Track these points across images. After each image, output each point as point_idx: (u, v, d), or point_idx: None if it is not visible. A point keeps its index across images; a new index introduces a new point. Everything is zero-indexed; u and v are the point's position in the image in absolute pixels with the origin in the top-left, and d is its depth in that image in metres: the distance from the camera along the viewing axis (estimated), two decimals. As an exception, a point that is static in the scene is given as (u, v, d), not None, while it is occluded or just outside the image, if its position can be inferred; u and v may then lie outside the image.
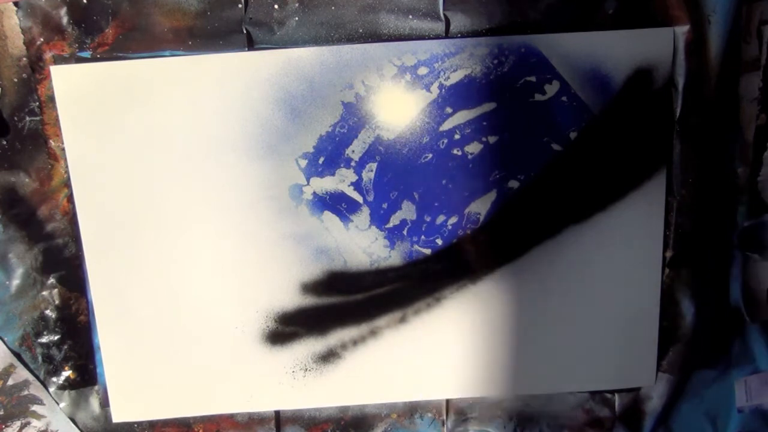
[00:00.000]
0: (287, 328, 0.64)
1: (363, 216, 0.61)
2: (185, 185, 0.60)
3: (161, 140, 0.59)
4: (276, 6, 0.57)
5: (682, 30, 0.58)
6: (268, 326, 0.64)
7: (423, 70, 0.58)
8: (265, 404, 0.66)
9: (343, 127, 0.59)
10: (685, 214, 0.63)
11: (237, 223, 0.61)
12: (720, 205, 0.63)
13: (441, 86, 0.58)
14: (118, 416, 0.66)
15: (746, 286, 0.65)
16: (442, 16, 0.57)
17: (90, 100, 0.58)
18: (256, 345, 0.64)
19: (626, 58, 0.58)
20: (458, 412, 0.68)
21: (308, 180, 0.60)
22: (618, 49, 0.58)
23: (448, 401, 0.68)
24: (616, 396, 0.68)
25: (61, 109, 0.58)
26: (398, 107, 0.59)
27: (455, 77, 0.58)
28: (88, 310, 0.64)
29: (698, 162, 0.62)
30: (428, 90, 0.58)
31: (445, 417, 0.68)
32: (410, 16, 0.57)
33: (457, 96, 0.59)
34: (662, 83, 0.59)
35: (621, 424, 0.69)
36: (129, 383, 0.65)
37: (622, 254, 0.63)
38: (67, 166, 0.60)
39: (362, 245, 0.62)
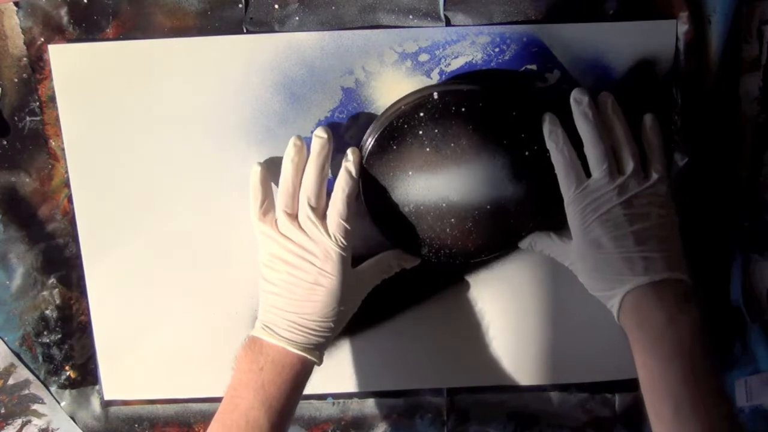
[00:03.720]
0: None
1: (359, 201, 0.61)
2: (181, 167, 0.60)
3: (158, 122, 0.59)
4: (276, 6, 0.57)
5: (683, 30, 0.58)
6: None
7: (424, 57, 0.58)
8: None
9: (342, 112, 0.59)
10: (685, 213, 0.63)
11: (233, 208, 0.61)
12: (720, 205, 0.63)
13: (441, 72, 0.58)
14: (109, 394, 0.66)
15: (746, 286, 0.65)
16: (442, 16, 0.57)
17: (87, 79, 0.58)
18: (249, 331, 0.64)
19: (628, 50, 0.58)
20: (458, 412, 0.68)
21: None
22: (620, 41, 0.58)
23: (449, 401, 0.68)
24: (617, 396, 0.69)
25: (58, 87, 0.58)
26: (398, 93, 0.58)
27: (456, 63, 0.58)
28: (88, 310, 0.64)
29: (698, 162, 0.62)
30: (428, 76, 0.58)
31: (445, 417, 0.68)
32: (410, 16, 0.57)
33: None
34: (664, 76, 0.59)
35: (621, 424, 0.69)
36: (121, 363, 0.65)
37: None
38: (67, 167, 0.60)
39: (358, 231, 0.61)
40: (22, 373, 0.65)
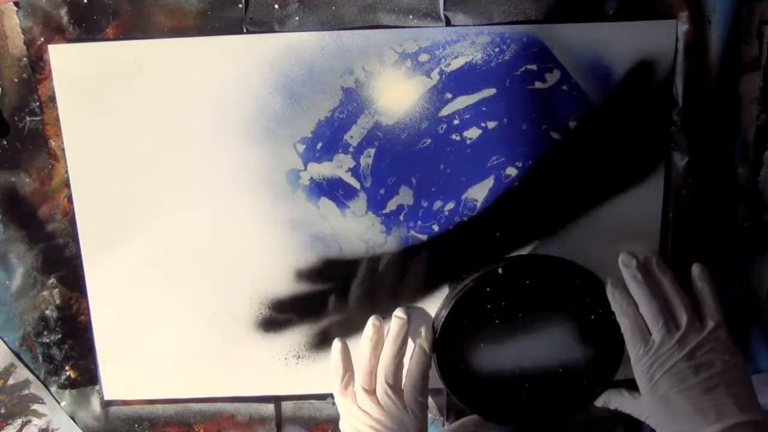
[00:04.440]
0: (281, 315, 0.64)
1: (360, 202, 0.61)
2: (181, 167, 0.60)
3: (157, 121, 0.59)
4: (276, 6, 0.57)
5: (683, 30, 0.58)
6: (261, 313, 0.64)
7: (424, 57, 0.58)
8: (258, 390, 0.66)
9: (342, 112, 0.59)
10: (685, 213, 0.63)
11: (233, 209, 0.61)
12: (720, 205, 0.63)
13: (441, 72, 0.58)
14: (109, 394, 0.66)
15: (746, 286, 0.65)
16: (442, 16, 0.57)
17: (87, 79, 0.58)
18: (249, 331, 0.64)
19: (628, 50, 0.58)
20: (458, 412, 0.68)
21: (306, 165, 0.60)
22: (620, 41, 0.58)
23: (449, 401, 0.68)
24: (617, 396, 0.69)
25: (58, 87, 0.58)
26: (398, 93, 0.59)
27: (456, 63, 0.58)
28: (88, 310, 0.64)
29: (698, 162, 0.62)
30: (428, 76, 0.58)
31: (445, 417, 0.68)
32: (410, 16, 0.57)
33: (457, 82, 0.59)
34: (664, 76, 0.59)
35: (621, 424, 0.69)
36: (121, 363, 0.65)
37: (617, 249, 0.62)
38: (67, 167, 0.60)
39: (358, 231, 0.62)
40: (22, 373, 0.65)
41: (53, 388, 0.66)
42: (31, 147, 0.60)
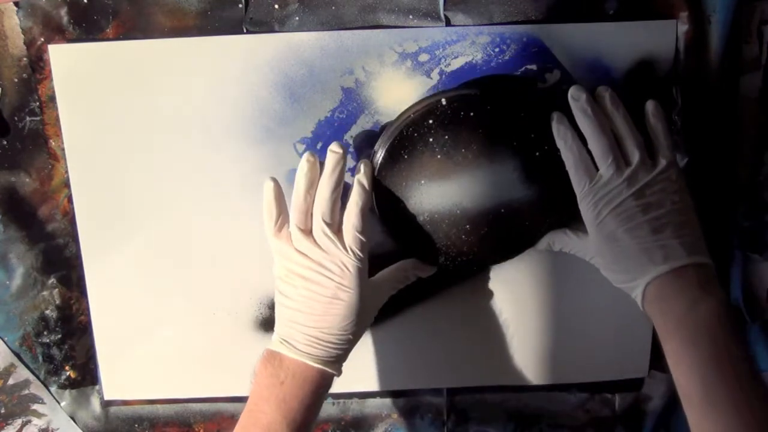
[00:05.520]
0: None
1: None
2: (181, 167, 0.60)
3: (158, 121, 0.59)
4: (276, 6, 0.57)
5: (683, 30, 0.58)
6: (261, 313, 0.64)
7: (424, 57, 0.58)
8: None
9: (342, 112, 0.59)
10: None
11: (233, 208, 0.61)
12: (720, 205, 0.63)
13: (441, 72, 0.58)
14: (109, 394, 0.66)
15: (746, 286, 0.65)
16: (442, 16, 0.57)
17: (87, 79, 0.58)
18: (249, 331, 0.64)
19: (628, 50, 0.58)
20: (459, 412, 0.68)
21: None
22: (620, 41, 0.58)
23: (449, 401, 0.68)
24: (617, 396, 0.69)
25: (58, 87, 0.58)
26: (398, 93, 0.59)
27: (456, 64, 0.58)
28: (88, 310, 0.64)
29: (698, 162, 0.62)
30: (428, 76, 0.59)
31: (445, 417, 0.68)
32: (410, 16, 0.57)
33: (457, 82, 0.59)
34: (664, 76, 0.59)
35: (621, 424, 0.69)
36: (121, 363, 0.65)
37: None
38: (67, 167, 0.60)
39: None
40: (22, 373, 0.65)
41: (53, 388, 0.66)
42: (31, 147, 0.60)
